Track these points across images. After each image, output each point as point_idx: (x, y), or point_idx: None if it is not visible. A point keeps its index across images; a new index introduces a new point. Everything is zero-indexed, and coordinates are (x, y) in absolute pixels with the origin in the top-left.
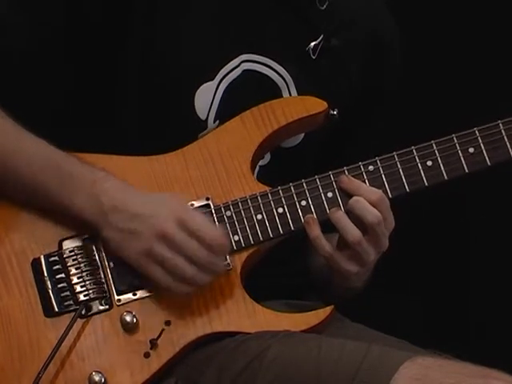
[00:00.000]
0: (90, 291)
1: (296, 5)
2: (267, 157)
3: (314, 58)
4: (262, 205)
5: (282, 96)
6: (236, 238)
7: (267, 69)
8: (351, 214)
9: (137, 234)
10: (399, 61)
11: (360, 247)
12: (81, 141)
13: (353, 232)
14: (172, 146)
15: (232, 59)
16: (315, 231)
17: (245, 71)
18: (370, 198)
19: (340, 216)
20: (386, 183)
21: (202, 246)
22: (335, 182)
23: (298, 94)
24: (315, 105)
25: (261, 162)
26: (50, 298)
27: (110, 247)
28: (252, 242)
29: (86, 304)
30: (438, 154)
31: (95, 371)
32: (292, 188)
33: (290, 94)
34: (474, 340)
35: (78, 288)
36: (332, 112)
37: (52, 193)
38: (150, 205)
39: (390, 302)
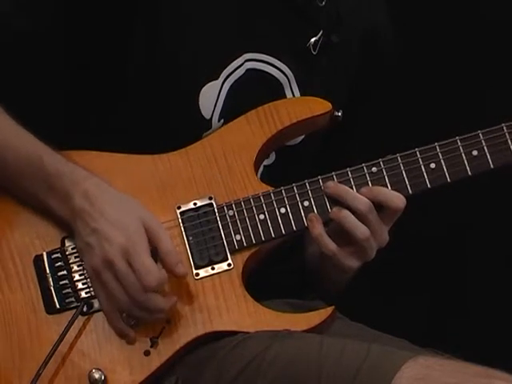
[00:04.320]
0: (92, 288)
1: (296, 2)
2: (272, 156)
3: (314, 53)
4: (264, 205)
5: (284, 93)
6: (238, 237)
7: (270, 67)
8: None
9: (91, 248)
10: (395, 59)
11: (368, 243)
12: (84, 139)
13: (362, 229)
14: (177, 145)
15: (235, 58)
16: (318, 229)
17: (248, 70)
18: (356, 207)
19: (346, 214)
20: (388, 185)
21: (138, 282)
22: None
23: (300, 91)
24: (320, 105)
25: (266, 162)
26: (52, 294)
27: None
28: (254, 242)
29: (88, 301)
30: (441, 157)
31: (95, 368)
32: (295, 188)
33: (292, 91)
34: (474, 339)
35: (80, 285)
36: (336, 113)
37: (31, 190)
38: (112, 221)
39: (390, 302)
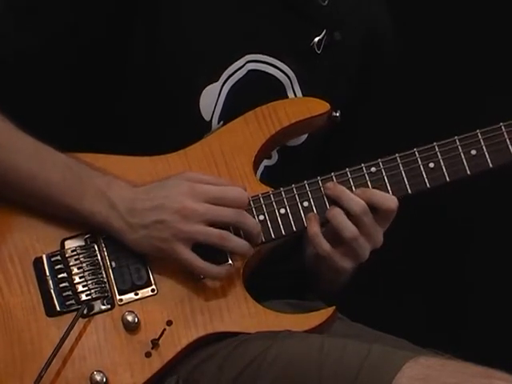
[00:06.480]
0: (92, 291)
1: (298, 2)
2: (274, 157)
3: (318, 53)
4: (264, 205)
5: (286, 94)
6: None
7: (272, 68)
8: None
9: (160, 222)
10: (395, 58)
11: (356, 243)
12: (84, 141)
13: (350, 228)
14: (176, 147)
15: (237, 60)
16: (314, 228)
17: (250, 71)
18: (351, 208)
19: (336, 213)
20: (388, 185)
21: (226, 206)
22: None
23: (302, 91)
24: (318, 106)
25: (268, 162)
26: (52, 297)
27: (137, 249)
28: None
29: (88, 304)
30: (440, 156)
31: (96, 371)
32: (294, 189)
33: (294, 92)
34: (474, 339)
35: (80, 288)
36: (335, 114)
37: (56, 196)
38: (162, 192)
39: (390, 302)
